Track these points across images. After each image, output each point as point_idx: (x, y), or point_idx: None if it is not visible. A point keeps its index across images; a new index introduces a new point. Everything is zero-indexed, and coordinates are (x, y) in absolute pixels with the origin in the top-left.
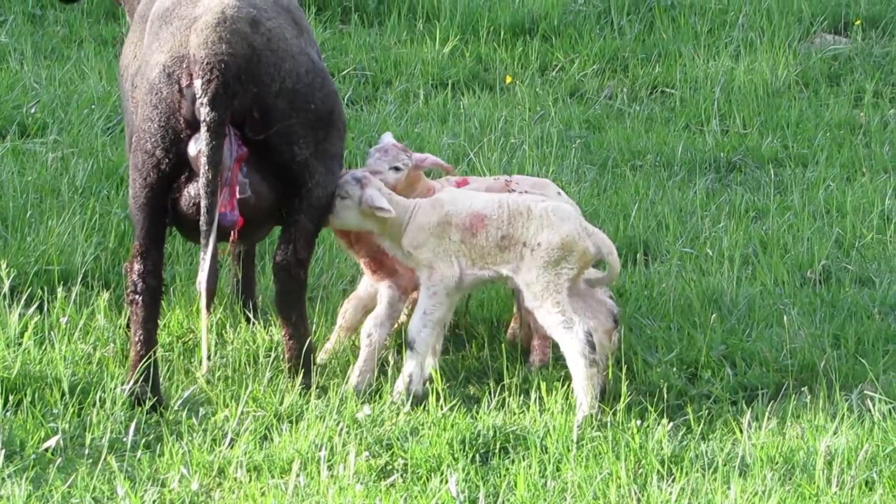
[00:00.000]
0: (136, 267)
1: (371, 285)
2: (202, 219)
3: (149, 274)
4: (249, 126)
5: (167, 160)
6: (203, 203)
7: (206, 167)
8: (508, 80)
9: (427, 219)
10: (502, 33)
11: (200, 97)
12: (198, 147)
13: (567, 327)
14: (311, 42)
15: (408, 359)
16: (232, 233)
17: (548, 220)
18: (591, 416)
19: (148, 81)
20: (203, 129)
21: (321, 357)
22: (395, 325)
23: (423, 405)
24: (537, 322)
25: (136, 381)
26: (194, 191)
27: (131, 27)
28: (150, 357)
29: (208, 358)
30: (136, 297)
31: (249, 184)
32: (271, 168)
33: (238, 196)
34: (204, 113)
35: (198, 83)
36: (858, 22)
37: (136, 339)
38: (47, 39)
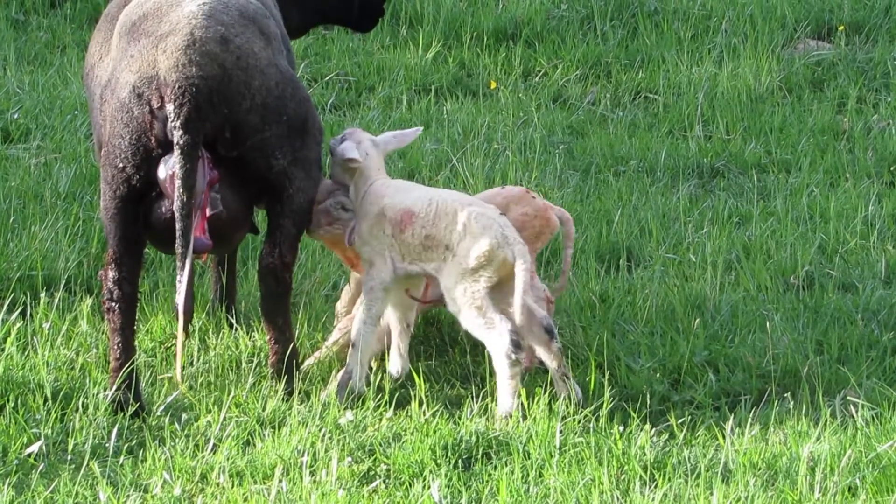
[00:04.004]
0: (111, 274)
1: None
2: (177, 241)
3: (124, 281)
4: (222, 145)
5: (138, 177)
6: (178, 226)
7: (181, 190)
8: (492, 85)
9: (371, 207)
10: (485, 39)
11: (173, 121)
12: (167, 171)
13: (489, 327)
14: (280, 48)
15: (350, 356)
16: (203, 255)
17: (469, 227)
18: (509, 414)
19: (118, 99)
20: (176, 152)
21: (331, 343)
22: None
23: (405, 410)
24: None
25: (117, 388)
26: (165, 206)
27: (98, 25)
28: (130, 364)
29: (183, 369)
30: (113, 304)
31: (221, 199)
32: (244, 181)
33: (209, 212)
34: (177, 136)
35: (170, 107)
36: (842, 27)
37: (115, 346)
38: (30, 45)
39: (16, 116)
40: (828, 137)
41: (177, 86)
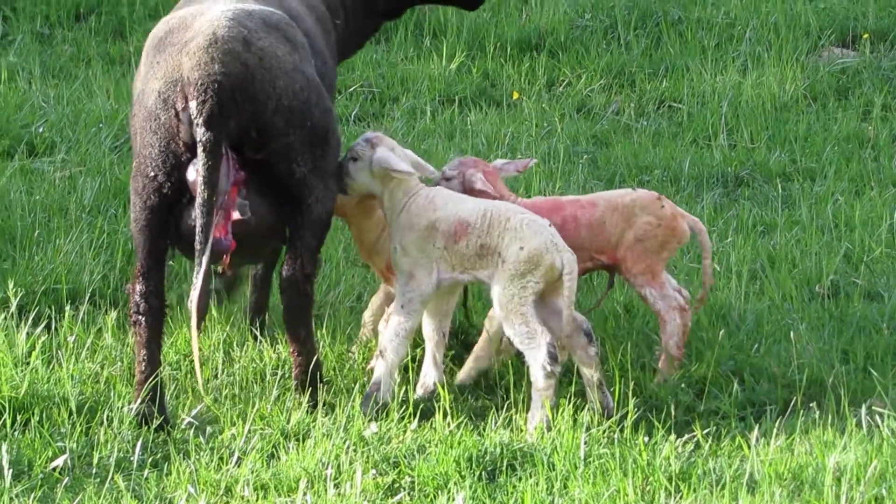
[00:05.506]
0: (139, 287)
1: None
2: (196, 238)
3: (151, 294)
4: (248, 145)
5: (169, 184)
6: (198, 222)
7: (202, 187)
8: (515, 95)
9: (419, 219)
10: (509, 49)
11: (196, 118)
12: (196, 172)
13: (530, 338)
14: (307, 57)
15: (377, 367)
16: (224, 257)
17: (520, 232)
18: (542, 426)
19: (146, 108)
20: (199, 149)
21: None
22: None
23: (430, 422)
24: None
25: (142, 402)
26: (195, 213)
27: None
28: (155, 377)
29: (205, 377)
30: (139, 317)
31: (249, 205)
32: (271, 187)
33: (238, 217)
34: (200, 133)
35: (193, 104)
36: (866, 35)
37: (140, 359)
38: (55, 59)
39: (41, 130)
40: (853, 145)
41: (199, 83)
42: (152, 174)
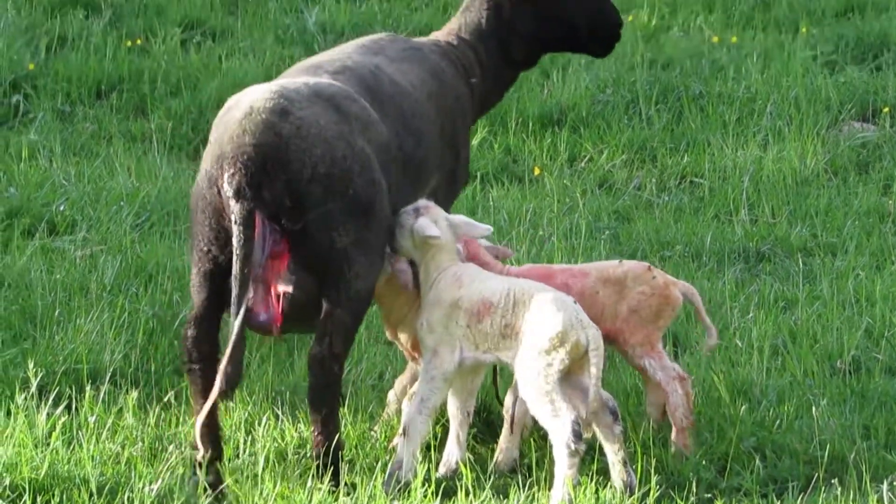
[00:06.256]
0: (190, 333)
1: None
2: (232, 308)
3: (203, 341)
4: (285, 215)
5: (223, 257)
6: (233, 293)
7: (236, 258)
8: (537, 171)
9: (445, 295)
10: (531, 124)
11: (226, 191)
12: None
13: (555, 416)
14: (361, 130)
15: (400, 445)
16: (273, 330)
17: (544, 309)
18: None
19: (197, 187)
20: (231, 221)
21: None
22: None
23: (452, 501)
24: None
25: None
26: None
27: None
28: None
29: (229, 461)
30: (193, 365)
31: (296, 280)
32: (314, 259)
33: (284, 291)
34: (232, 205)
35: (225, 177)
36: (887, 109)
37: (199, 408)
38: (76, 136)
39: (62, 208)
40: (873, 220)
41: (231, 156)
42: (205, 248)
